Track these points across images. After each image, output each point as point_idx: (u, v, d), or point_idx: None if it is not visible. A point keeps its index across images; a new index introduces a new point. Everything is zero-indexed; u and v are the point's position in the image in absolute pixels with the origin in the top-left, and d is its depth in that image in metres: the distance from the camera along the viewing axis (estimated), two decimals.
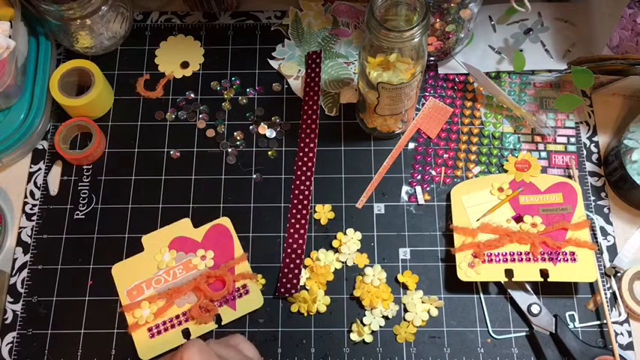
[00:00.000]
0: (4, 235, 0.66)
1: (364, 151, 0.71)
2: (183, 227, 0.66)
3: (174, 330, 0.62)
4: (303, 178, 0.69)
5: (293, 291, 0.63)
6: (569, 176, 0.68)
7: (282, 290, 0.64)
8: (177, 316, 0.62)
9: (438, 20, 0.67)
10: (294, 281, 0.64)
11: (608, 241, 0.66)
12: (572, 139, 0.71)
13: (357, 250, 0.66)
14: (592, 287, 0.64)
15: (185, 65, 0.75)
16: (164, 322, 0.62)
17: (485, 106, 0.73)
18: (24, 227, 0.67)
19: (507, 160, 0.69)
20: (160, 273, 0.64)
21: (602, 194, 0.68)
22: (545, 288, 0.63)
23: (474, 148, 0.70)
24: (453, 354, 0.62)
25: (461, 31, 0.69)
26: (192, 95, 0.74)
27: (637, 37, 0.70)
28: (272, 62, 0.76)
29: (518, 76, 0.74)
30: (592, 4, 0.75)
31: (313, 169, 0.69)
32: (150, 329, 0.62)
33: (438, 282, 0.65)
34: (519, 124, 0.71)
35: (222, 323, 0.62)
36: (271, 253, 0.66)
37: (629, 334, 0.62)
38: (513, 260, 0.62)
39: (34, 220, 0.68)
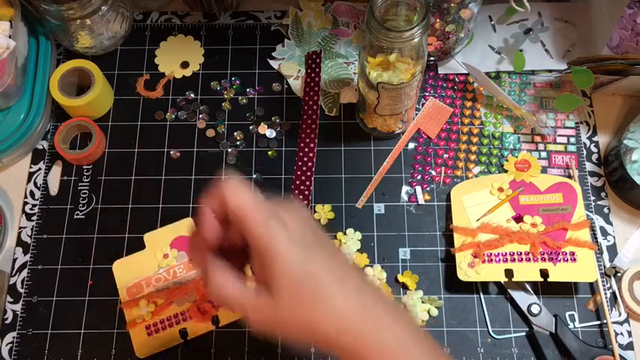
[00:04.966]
0: (4, 235, 0.66)
1: (364, 151, 0.71)
2: (185, 227, 0.66)
3: (171, 329, 0.62)
4: (303, 178, 0.69)
5: None
6: (569, 176, 0.68)
7: None
8: (176, 315, 0.62)
9: (438, 20, 0.67)
10: None
11: (608, 241, 0.66)
12: (572, 139, 0.71)
13: (357, 250, 0.66)
14: (592, 287, 0.64)
15: (185, 65, 0.75)
16: (162, 321, 0.62)
17: (485, 106, 0.73)
18: (24, 227, 0.67)
19: (507, 160, 0.69)
20: (161, 271, 0.64)
21: (602, 194, 0.68)
22: (545, 288, 0.63)
23: (474, 148, 0.70)
24: (453, 354, 0.62)
25: (461, 31, 0.69)
26: (192, 95, 0.74)
27: (637, 37, 0.70)
28: (272, 62, 0.76)
29: (518, 76, 0.74)
30: (592, 4, 0.75)
31: (313, 169, 0.69)
32: (147, 327, 0.62)
33: (438, 282, 0.64)
34: (519, 124, 0.71)
35: (221, 325, 0.62)
36: None
37: (629, 334, 0.62)
38: (513, 260, 0.62)
39: (34, 220, 0.68)
